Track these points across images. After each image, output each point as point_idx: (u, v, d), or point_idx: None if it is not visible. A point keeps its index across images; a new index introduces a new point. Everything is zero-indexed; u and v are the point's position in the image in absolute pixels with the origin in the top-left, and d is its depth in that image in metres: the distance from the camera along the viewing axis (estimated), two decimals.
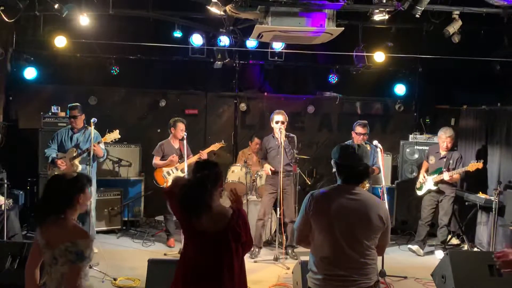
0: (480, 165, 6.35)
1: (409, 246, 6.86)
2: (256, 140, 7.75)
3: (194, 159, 6.65)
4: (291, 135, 6.48)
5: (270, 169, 6.35)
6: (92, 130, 5.90)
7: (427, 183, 6.76)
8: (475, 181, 7.18)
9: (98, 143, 6.11)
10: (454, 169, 6.58)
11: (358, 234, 2.87)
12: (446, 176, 6.49)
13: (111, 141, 6.28)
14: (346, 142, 6.52)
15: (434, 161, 6.78)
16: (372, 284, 2.93)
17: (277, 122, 6.31)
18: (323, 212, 2.92)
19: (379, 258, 3.16)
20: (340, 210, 2.90)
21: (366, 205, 2.92)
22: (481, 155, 7.06)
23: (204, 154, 6.74)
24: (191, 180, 3.02)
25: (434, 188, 6.68)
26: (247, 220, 3.08)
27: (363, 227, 2.88)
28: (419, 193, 6.88)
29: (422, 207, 6.85)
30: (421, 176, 6.89)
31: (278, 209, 6.25)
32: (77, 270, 2.70)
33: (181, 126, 6.74)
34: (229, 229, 2.90)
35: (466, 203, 6.91)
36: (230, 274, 2.92)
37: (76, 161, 6.15)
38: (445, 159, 6.67)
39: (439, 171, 6.63)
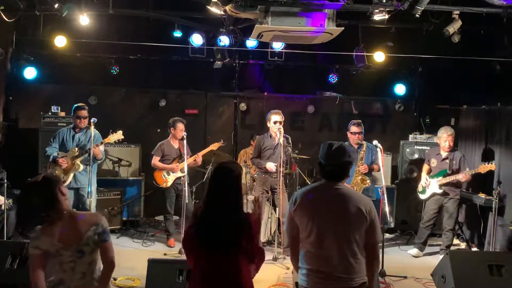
0: (492, 166, 6.19)
1: (409, 252, 6.69)
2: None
3: (190, 160, 6.63)
4: (287, 135, 6.46)
5: (265, 168, 6.31)
6: (92, 130, 5.91)
7: (430, 186, 6.55)
8: (479, 181, 7.17)
9: (99, 144, 6.11)
10: (458, 169, 6.41)
11: (337, 229, 2.87)
12: (461, 176, 6.27)
13: (115, 141, 6.30)
14: (345, 143, 6.60)
15: (436, 164, 6.59)
16: (357, 286, 2.85)
17: (275, 122, 6.29)
18: (304, 207, 2.96)
19: (379, 258, 3.09)
20: (319, 205, 2.94)
21: (344, 198, 2.92)
22: (488, 156, 6.96)
23: (199, 156, 6.75)
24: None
25: (439, 191, 6.47)
26: (254, 229, 2.84)
27: (342, 221, 2.87)
28: (423, 196, 6.67)
29: (424, 210, 6.68)
30: (423, 179, 6.67)
31: (277, 209, 6.24)
32: (111, 244, 2.91)
33: (180, 126, 6.74)
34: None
35: (466, 203, 6.90)
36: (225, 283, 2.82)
37: (78, 161, 6.16)
38: (447, 160, 6.49)
39: (443, 173, 6.45)
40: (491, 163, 6.21)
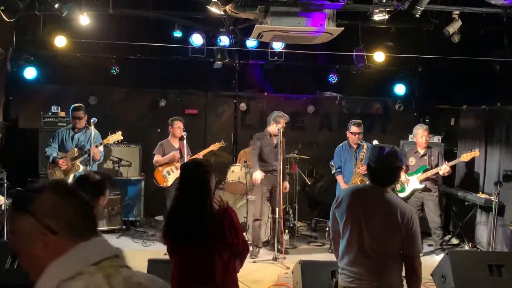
0: (476, 153, 6.29)
1: None
2: None
3: None
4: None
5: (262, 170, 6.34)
6: (92, 130, 5.90)
7: (410, 183, 6.58)
8: (468, 179, 7.17)
9: (99, 145, 6.11)
10: (437, 164, 6.49)
11: (370, 230, 2.86)
12: (442, 168, 6.30)
13: (114, 142, 6.29)
14: (344, 142, 6.60)
15: (415, 162, 6.64)
16: None
17: (278, 128, 6.28)
18: (343, 206, 2.98)
19: (419, 277, 2.97)
20: (357, 206, 2.93)
21: (383, 204, 2.88)
22: (480, 152, 6.97)
23: (200, 156, 6.75)
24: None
25: (420, 186, 6.50)
26: (235, 221, 2.96)
27: (375, 223, 2.86)
28: (402, 194, 6.62)
29: None
30: (402, 176, 6.61)
31: (277, 209, 6.24)
32: None
33: (178, 123, 6.74)
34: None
35: (466, 203, 6.90)
36: (210, 277, 2.90)
37: (78, 161, 6.15)
38: (426, 157, 6.58)
39: (422, 169, 6.52)
40: (474, 150, 6.32)
